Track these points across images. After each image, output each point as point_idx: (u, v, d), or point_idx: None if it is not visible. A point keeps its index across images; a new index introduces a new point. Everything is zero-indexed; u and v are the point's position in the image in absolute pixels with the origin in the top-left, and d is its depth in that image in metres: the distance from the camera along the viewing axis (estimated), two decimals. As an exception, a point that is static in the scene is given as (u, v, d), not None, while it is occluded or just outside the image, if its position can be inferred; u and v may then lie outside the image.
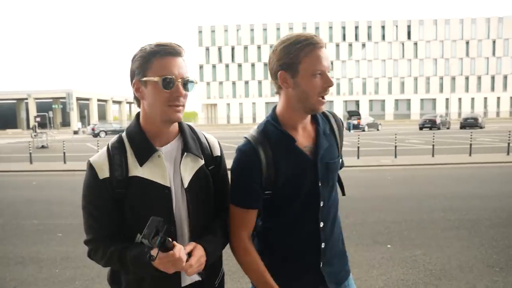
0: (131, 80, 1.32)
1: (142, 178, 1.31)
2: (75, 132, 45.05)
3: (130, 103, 72.27)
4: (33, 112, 55.16)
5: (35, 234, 5.47)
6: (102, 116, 67.26)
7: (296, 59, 1.33)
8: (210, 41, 67.78)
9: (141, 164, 1.31)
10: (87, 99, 62.25)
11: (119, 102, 69.27)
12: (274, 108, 1.50)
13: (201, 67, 67.89)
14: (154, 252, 1.13)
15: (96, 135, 35.45)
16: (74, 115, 55.26)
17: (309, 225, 1.47)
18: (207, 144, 1.48)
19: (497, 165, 11.57)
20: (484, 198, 7.01)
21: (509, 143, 13.69)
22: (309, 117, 1.48)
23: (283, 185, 1.41)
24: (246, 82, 67.53)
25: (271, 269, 1.47)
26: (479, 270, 3.92)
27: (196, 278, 1.41)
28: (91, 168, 1.33)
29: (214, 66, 67.83)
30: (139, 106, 1.36)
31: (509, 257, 4.27)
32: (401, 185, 8.64)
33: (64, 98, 49.70)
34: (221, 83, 67.86)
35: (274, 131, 1.42)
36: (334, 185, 1.53)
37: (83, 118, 56.86)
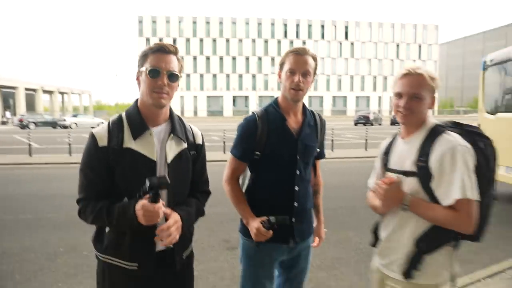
0: None
1: (134, 150, 1.56)
2: (3, 123, 41.40)
3: (62, 93, 67.54)
4: None
5: (-36, 229, 5.13)
6: (31, 107, 62.20)
7: (283, 61, 1.92)
8: (151, 31, 65.65)
9: (134, 138, 1.57)
10: (13, 88, 57.10)
11: (51, 92, 64.26)
12: (278, 97, 2.02)
13: (143, 51, 65.22)
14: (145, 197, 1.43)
15: (24, 126, 32.55)
16: (-3, 105, 50.55)
17: (287, 187, 1.87)
18: (191, 132, 1.76)
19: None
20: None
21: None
22: (300, 108, 1.99)
23: (271, 151, 1.89)
24: (188, 75, 66.46)
25: None
26: (401, 247, 4.45)
27: (168, 245, 1.63)
28: (93, 137, 1.57)
29: (154, 58, 65.74)
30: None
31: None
32: (337, 176, 9.27)
33: (-16, 86, 45.18)
34: (162, 75, 66.08)
35: (272, 111, 1.96)
36: (309, 163, 2.02)
37: (8, 108, 52.15)
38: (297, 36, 68.84)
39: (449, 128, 1.67)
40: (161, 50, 1.57)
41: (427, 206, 1.59)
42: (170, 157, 1.61)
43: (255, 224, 1.83)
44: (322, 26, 69.68)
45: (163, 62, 1.56)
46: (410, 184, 1.61)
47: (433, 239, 1.61)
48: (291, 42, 68.23)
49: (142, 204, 1.42)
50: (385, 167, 1.78)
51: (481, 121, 7.31)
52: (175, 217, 1.56)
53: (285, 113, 1.95)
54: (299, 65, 1.85)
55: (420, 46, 72.72)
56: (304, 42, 68.71)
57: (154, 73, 1.54)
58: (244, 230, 2.01)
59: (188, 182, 1.72)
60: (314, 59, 1.92)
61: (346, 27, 70.43)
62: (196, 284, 1.89)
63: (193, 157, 1.73)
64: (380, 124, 37.53)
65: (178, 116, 1.75)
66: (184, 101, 66.75)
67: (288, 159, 1.91)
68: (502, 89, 6.89)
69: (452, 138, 1.57)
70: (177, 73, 1.60)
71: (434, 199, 1.59)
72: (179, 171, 1.64)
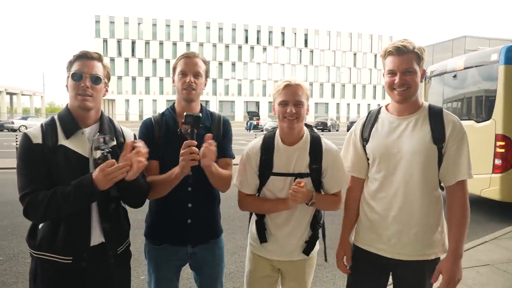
0: None
1: (67, 147, 1.66)
2: None
3: (11, 94, 63.46)
4: None
5: None
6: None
7: (175, 65, 2.04)
8: (109, 32, 63.68)
9: (67, 137, 1.67)
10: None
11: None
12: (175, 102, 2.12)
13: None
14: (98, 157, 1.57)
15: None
16: None
17: (181, 187, 1.87)
18: (121, 133, 1.87)
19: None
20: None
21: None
22: (195, 110, 2.01)
23: (166, 151, 1.94)
24: (147, 78, 65.10)
25: (153, 222, 2.02)
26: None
27: (102, 239, 1.72)
28: (25, 136, 1.65)
29: (112, 60, 63.74)
30: None
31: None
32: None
33: None
34: (120, 78, 64.12)
35: (168, 115, 2.06)
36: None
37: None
38: (258, 42, 69.53)
39: (315, 132, 2.10)
40: (84, 56, 1.72)
41: (325, 197, 2.04)
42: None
43: (179, 165, 1.77)
44: (283, 33, 70.87)
45: (85, 67, 1.70)
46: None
47: (319, 220, 2.09)
48: (252, 47, 68.82)
49: (99, 168, 1.52)
50: (269, 171, 1.98)
51: (423, 128, 7.81)
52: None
53: (179, 116, 2.01)
54: (190, 67, 1.98)
55: (375, 56, 75.77)
56: (264, 49, 69.56)
57: (76, 77, 1.68)
58: (147, 232, 2.07)
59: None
60: (204, 62, 2.06)
61: (306, 35, 72.09)
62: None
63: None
64: (337, 130, 38.69)
65: (109, 118, 1.87)
66: (143, 104, 65.27)
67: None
68: (441, 98, 7.41)
69: (329, 142, 2.06)
70: (99, 76, 1.73)
71: (317, 189, 2.01)
72: None
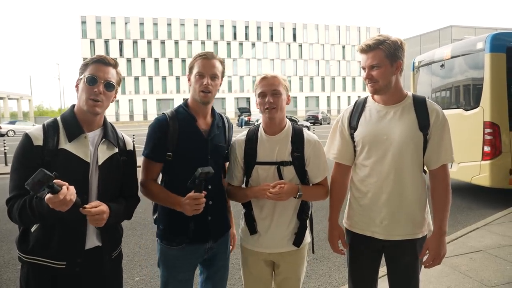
0: None
1: (68, 151, 1.64)
2: None
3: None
4: None
5: None
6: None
7: (192, 65, 2.01)
8: (96, 33, 62.93)
9: (70, 140, 1.65)
10: None
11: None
12: (188, 98, 2.09)
13: (84, 60, 62.06)
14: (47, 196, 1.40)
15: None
16: None
17: None
18: (123, 140, 1.87)
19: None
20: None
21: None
22: (209, 110, 2.08)
23: (182, 151, 1.95)
24: (136, 78, 64.54)
25: (171, 223, 1.99)
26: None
27: (97, 243, 1.70)
28: (27, 136, 1.61)
29: (100, 60, 62.66)
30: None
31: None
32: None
33: None
34: (108, 78, 63.24)
35: (182, 112, 2.02)
36: (219, 163, 2.09)
37: None
38: (246, 38, 69.30)
39: (297, 124, 2.17)
40: (101, 61, 1.72)
41: (311, 188, 2.09)
42: (101, 160, 1.71)
43: (185, 200, 1.81)
44: (271, 28, 70.70)
45: (101, 72, 1.70)
46: (288, 171, 2.01)
47: (306, 210, 2.10)
48: (241, 43, 68.58)
49: (48, 202, 1.38)
50: (253, 161, 2.05)
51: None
52: (102, 207, 1.59)
53: (195, 113, 2.02)
54: (207, 69, 1.96)
55: (364, 48, 75.79)
56: (253, 44, 69.37)
57: (91, 81, 1.67)
58: (161, 234, 2.02)
59: (117, 184, 1.80)
60: (221, 63, 2.05)
61: (294, 29, 71.98)
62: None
63: (124, 162, 1.83)
64: (328, 123, 38.82)
65: (111, 124, 1.86)
66: (133, 104, 64.77)
67: (200, 159, 1.95)
68: (429, 88, 7.46)
69: (311, 133, 2.14)
70: (113, 83, 1.74)
71: (302, 179, 2.05)
72: (109, 174, 1.74)
